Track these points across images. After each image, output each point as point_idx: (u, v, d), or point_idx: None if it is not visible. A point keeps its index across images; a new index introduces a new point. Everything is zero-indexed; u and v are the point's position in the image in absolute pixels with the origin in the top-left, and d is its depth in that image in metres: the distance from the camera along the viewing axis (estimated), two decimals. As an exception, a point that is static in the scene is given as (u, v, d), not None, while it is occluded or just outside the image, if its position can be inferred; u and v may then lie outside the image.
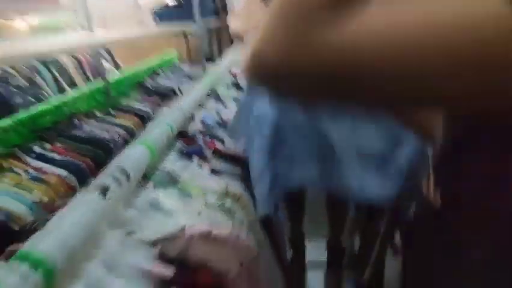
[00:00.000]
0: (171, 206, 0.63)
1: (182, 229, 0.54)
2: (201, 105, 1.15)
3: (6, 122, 0.95)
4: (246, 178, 0.82)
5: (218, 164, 0.83)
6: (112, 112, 1.35)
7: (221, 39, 2.65)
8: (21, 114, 1.01)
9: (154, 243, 0.53)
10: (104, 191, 0.51)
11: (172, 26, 2.10)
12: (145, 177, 0.68)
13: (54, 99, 1.23)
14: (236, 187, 0.74)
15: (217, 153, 0.88)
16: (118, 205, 0.54)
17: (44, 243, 0.38)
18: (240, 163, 0.87)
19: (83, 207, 0.44)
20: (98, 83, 1.46)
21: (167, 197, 0.65)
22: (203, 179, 0.75)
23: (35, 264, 0.36)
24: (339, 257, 1.46)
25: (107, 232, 0.50)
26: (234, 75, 1.72)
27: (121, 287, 0.44)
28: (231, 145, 0.96)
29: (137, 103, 1.50)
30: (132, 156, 0.60)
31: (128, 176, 0.56)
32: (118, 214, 0.55)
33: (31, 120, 1.02)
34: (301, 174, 1.02)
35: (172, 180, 0.71)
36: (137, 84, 1.72)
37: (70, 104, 1.21)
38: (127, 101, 1.51)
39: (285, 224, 1.28)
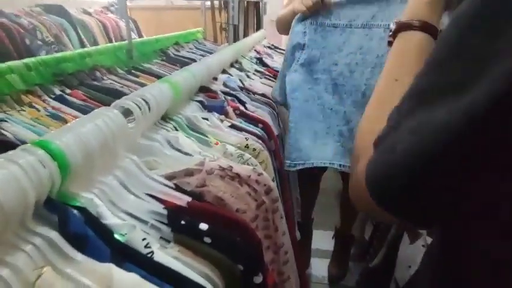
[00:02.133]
0: (189, 149, 0.61)
1: (202, 163, 0.51)
2: (225, 71, 1.13)
3: (30, 60, 0.94)
4: (266, 140, 0.79)
5: (238, 121, 0.80)
6: (133, 71, 1.34)
7: (247, 21, 2.61)
8: (46, 57, 1.01)
9: (170, 177, 0.51)
10: (125, 112, 0.49)
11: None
12: (165, 120, 0.66)
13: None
14: (256, 143, 0.70)
15: (238, 112, 0.85)
16: (137, 131, 0.52)
17: (63, 139, 0.35)
18: (261, 125, 0.84)
19: (104, 117, 0.42)
20: (122, 43, 1.45)
21: (186, 140, 0.62)
22: (222, 131, 0.72)
23: (53, 154, 0.33)
24: (347, 244, 1.43)
25: (124, 154, 0.47)
26: (258, 52, 1.69)
27: (134, 205, 0.42)
28: (252, 108, 0.94)
29: (158, 67, 1.49)
30: (154, 90, 0.57)
31: (149, 107, 0.54)
32: (136, 142, 0.52)
33: (54, 62, 1.01)
34: (321, 153, 0.99)
35: (191, 126, 0.68)
36: (160, 51, 1.71)
37: (93, 55, 1.20)
38: (149, 65, 1.50)
39: (296, 207, 1.25)
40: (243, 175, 0.50)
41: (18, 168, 0.29)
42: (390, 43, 0.44)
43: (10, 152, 0.31)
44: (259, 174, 0.51)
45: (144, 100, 0.53)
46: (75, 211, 0.35)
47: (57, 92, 0.96)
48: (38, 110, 0.85)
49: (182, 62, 1.62)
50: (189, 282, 0.35)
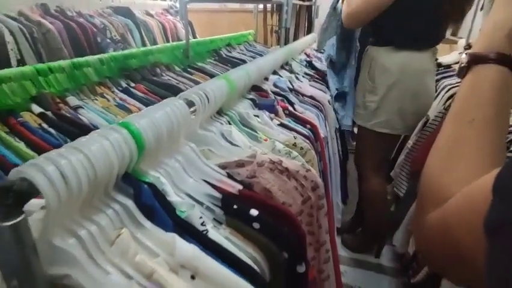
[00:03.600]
0: (241, 142, 0.64)
1: (253, 155, 0.54)
2: (275, 72, 1.16)
3: (103, 56, 1.06)
4: (312, 140, 0.80)
5: (287, 121, 0.83)
6: (188, 69, 1.42)
7: (298, 24, 2.63)
8: (115, 53, 1.12)
9: (223, 166, 0.55)
10: (189, 104, 0.54)
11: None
12: (220, 114, 0.70)
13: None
14: (304, 142, 0.72)
15: (287, 112, 0.87)
16: (196, 122, 0.57)
17: (141, 122, 0.40)
18: (308, 126, 0.85)
19: (172, 106, 0.47)
20: (179, 43, 1.56)
21: (238, 134, 0.66)
22: (272, 129, 0.75)
23: (133, 134, 0.38)
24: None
25: (185, 142, 0.52)
26: (308, 55, 1.70)
27: (192, 187, 0.46)
28: (300, 109, 0.95)
29: (211, 67, 1.57)
30: (213, 85, 0.62)
31: (208, 100, 0.58)
32: (195, 132, 0.57)
33: (122, 58, 1.12)
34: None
35: (243, 122, 0.72)
36: (213, 52, 1.79)
37: (155, 53, 1.31)
38: (203, 64, 1.58)
39: (336, 212, 1.24)
40: (292, 170, 0.52)
41: (109, 143, 0.35)
42: (460, 73, 0.40)
43: (101, 129, 0.37)
44: (308, 170, 0.53)
45: (205, 94, 0.57)
46: (146, 186, 0.40)
47: (124, 85, 1.07)
48: (108, 100, 0.95)
49: (234, 63, 1.69)
50: (238, 262, 0.38)
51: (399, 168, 1.60)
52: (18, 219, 0.27)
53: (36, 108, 0.77)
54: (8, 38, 1.38)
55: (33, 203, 0.30)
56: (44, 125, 0.74)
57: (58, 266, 0.31)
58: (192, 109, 0.56)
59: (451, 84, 1.51)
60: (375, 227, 1.51)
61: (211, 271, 0.34)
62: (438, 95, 1.56)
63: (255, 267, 0.40)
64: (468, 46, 1.86)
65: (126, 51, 1.18)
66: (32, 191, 0.27)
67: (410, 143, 1.57)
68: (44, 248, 0.30)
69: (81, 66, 0.96)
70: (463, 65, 0.39)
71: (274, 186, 0.52)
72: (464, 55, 0.40)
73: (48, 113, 0.78)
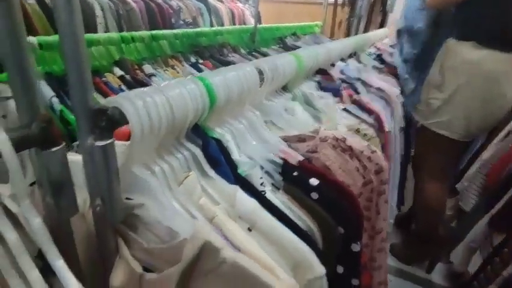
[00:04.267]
0: (303, 119, 0.64)
1: (317, 130, 0.53)
2: (343, 60, 1.12)
3: (177, 31, 1.13)
4: (376, 130, 0.76)
5: (351, 108, 0.79)
6: (253, 53, 1.45)
7: (370, 18, 2.49)
8: (188, 30, 1.19)
9: (284, 139, 0.54)
10: (259, 72, 0.54)
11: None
12: (285, 90, 0.70)
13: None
14: (368, 129, 0.69)
15: (352, 99, 0.84)
16: (263, 92, 0.57)
17: (215, 78, 0.42)
18: (373, 115, 0.81)
19: (244, 71, 0.48)
20: (247, 27, 1.59)
21: (301, 111, 0.66)
22: (335, 113, 0.72)
23: (207, 88, 0.40)
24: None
25: (249, 108, 0.53)
26: (378, 49, 1.61)
27: (254, 150, 0.47)
28: (366, 99, 0.91)
29: (275, 53, 1.57)
30: (283, 59, 0.62)
31: (277, 72, 0.58)
32: (261, 101, 0.58)
33: (194, 35, 1.18)
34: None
35: (307, 101, 0.71)
36: (279, 39, 1.79)
37: (224, 34, 1.35)
38: (267, 49, 1.59)
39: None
40: (356, 149, 0.50)
41: (186, 91, 0.37)
42: None
43: (181, 79, 0.39)
44: (373, 152, 0.50)
45: (275, 66, 0.57)
46: (212, 140, 0.42)
47: (193, 60, 1.13)
48: (178, 72, 1.01)
49: (298, 51, 1.67)
50: (293, 225, 0.38)
51: (468, 181, 1.44)
52: (108, 141, 0.30)
53: (118, 71, 0.85)
54: (98, 12, 1.53)
55: (116, 143, 0.32)
56: (123, 87, 0.82)
57: (134, 194, 0.34)
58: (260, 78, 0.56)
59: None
60: (426, 236, 1.39)
61: (268, 226, 0.35)
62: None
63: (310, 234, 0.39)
64: None
65: (197, 29, 1.24)
66: (122, 118, 0.30)
67: (486, 154, 1.41)
68: (124, 176, 0.33)
69: (158, 39, 1.04)
70: None
71: (335, 163, 0.51)
72: None
73: (127, 76, 0.85)
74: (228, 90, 0.44)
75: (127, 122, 0.31)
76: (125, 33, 0.93)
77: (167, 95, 0.34)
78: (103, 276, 0.36)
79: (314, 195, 0.42)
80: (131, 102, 0.31)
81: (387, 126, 0.87)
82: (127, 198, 0.35)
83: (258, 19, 2.83)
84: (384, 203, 0.52)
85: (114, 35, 0.90)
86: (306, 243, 0.35)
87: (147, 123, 0.31)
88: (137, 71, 0.91)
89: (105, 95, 0.75)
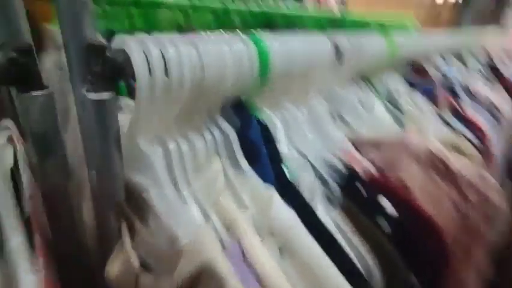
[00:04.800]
0: (383, 120, 0.50)
1: (401, 136, 0.39)
2: (443, 58, 0.91)
3: (254, 8, 1.04)
4: (483, 152, 0.57)
5: (449, 116, 0.62)
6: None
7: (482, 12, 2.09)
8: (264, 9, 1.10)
9: (353, 140, 0.42)
10: (336, 48, 0.42)
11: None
12: (364, 80, 0.56)
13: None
14: (469, 148, 0.51)
15: (450, 106, 0.65)
16: (335, 77, 0.45)
17: (274, 43, 0.31)
18: (478, 133, 0.62)
19: (317, 42, 0.36)
20: (332, 13, 1.44)
21: (380, 109, 0.51)
22: (425, 118, 0.56)
23: (260, 51, 0.30)
24: None
25: (316, 94, 0.41)
26: (489, 55, 1.31)
27: (310, 147, 0.36)
28: (469, 111, 0.71)
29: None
30: (370, 40, 0.48)
31: (358, 51, 0.45)
32: (331, 88, 0.46)
33: (270, 15, 1.09)
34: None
35: (389, 99, 0.56)
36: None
37: (303, 19, 1.23)
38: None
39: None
40: (455, 170, 0.35)
41: (228, 51, 0.27)
42: None
43: (227, 35, 0.29)
44: (482, 178, 0.34)
45: (358, 45, 0.44)
46: (256, 122, 0.32)
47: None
48: None
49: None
50: (345, 261, 0.26)
51: None
52: (105, 96, 0.22)
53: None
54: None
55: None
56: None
57: (140, 174, 0.26)
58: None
59: None
60: None
61: (306, 253, 0.24)
62: None
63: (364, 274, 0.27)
64: None
65: (276, 10, 1.14)
66: (127, 66, 0.22)
67: None
68: (129, 146, 0.25)
69: (231, 14, 0.97)
70: None
71: (415, 181, 0.36)
72: None
73: None
74: (288, 60, 0.33)
75: (133, 74, 0.22)
76: (196, 1, 0.88)
77: (200, 49, 0.25)
78: (100, 260, 0.30)
79: (384, 225, 0.29)
80: (143, 46, 0.22)
81: (494, 149, 0.66)
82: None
83: (344, 3, 2.62)
84: (484, 255, 0.36)
85: (184, 1, 0.86)
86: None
87: (161, 77, 0.23)
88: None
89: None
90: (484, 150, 0.61)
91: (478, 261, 0.37)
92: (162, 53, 0.23)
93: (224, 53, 0.27)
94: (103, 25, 0.71)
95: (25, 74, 0.20)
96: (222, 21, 0.94)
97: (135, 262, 0.25)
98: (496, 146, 0.71)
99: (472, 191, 0.35)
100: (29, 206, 0.23)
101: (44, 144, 0.23)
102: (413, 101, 0.58)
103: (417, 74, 0.68)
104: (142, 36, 0.23)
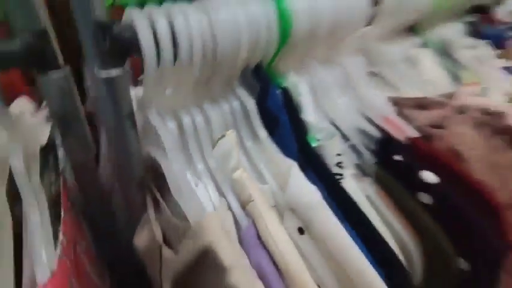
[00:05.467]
0: (431, 76, 0.43)
1: (450, 95, 0.34)
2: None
3: None
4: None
5: (521, 66, 0.51)
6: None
7: None
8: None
9: (395, 101, 0.37)
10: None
11: None
12: (413, 32, 0.49)
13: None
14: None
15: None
16: (374, 30, 0.39)
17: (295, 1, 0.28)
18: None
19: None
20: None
21: (431, 65, 0.45)
22: (489, 71, 0.47)
23: (281, 11, 0.27)
24: None
25: (351, 51, 0.37)
26: None
27: (340, 112, 0.32)
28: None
29: None
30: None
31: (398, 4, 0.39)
32: (369, 44, 0.40)
33: None
34: None
35: (445, 51, 0.48)
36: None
37: None
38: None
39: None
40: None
41: (243, 14, 0.25)
42: None
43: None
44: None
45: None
46: (278, 90, 0.29)
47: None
48: None
49: None
50: (376, 240, 0.24)
51: None
52: (115, 73, 0.21)
53: None
54: None
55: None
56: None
57: (153, 148, 0.25)
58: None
59: None
60: None
61: (329, 234, 0.22)
62: None
63: (401, 257, 0.25)
64: None
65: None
66: (134, 43, 0.21)
67: None
68: (141, 123, 0.25)
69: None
70: None
71: (473, 151, 0.31)
72: None
73: None
74: (315, 18, 0.29)
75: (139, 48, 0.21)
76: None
77: (212, 16, 0.23)
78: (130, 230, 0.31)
79: (426, 198, 0.26)
80: (150, 19, 0.21)
81: None
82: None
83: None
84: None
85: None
86: (391, 276, 0.21)
87: (169, 51, 0.21)
88: None
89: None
90: None
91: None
92: (170, 25, 0.21)
93: (238, 18, 0.24)
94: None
95: (41, 57, 0.20)
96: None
97: (159, 235, 0.26)
98: None
99: None
100: (60, 182, 0.24)
101: (64, 122, 0.23)
102: (476, 51, 0.50)
103: (485, 20, 0.57)
104: (151, 8, 0.22)
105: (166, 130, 0.24)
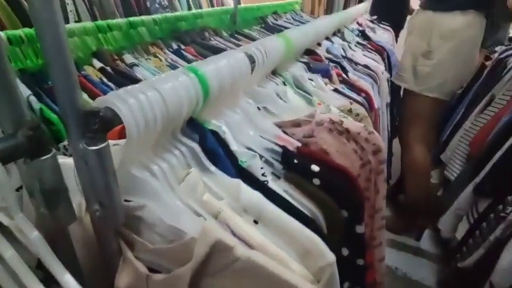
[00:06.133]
0: (296, 103, 0.63)
1: (312, 115, 0.53)
2: (328, 39, 1.10)
3: (156, 16, 1.07)
4: (367, 109, 0.76)
5: (341, 87, 0.79)
6: (236, 35, 1.40)
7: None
8: (168, 14, 1.13)
9: (279, 125, 0.53)
10: (250, 58, 0.52)
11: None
12: (275, 74, 0.68)
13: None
14: (360, 108, 0.68)
15: (341, 78, 0.83)
16: (255, 78, 0.56)
17: (207, 68, 0.40)
18: (363, 94, 0.81)
19: (234, 57, 0.46)
20: (227, 8, 1.53)
21: (293, 95, 0.64)
22: (326, 94, 0.72)
23: (200, 78, 0.38)
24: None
25: (243, 97, 0.51)
26: (360, 24, 1.60)
27: (251, 140, 0.46)
28: (354, 78, 0.90)
29: (257, 34, 1.53)
30: (272, 42, 0.60)
31: (266, 56, 0.57)
32: (253, 88, 0.56)
33: (174, 20, 1.13)
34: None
35: (297, 84, 0.70)
36: (260, 19, 1.74)
37: (204, 17, 1.30)
38: (249, 31, 1.55)
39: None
40: (353, 131, 0.50)
41: (178, 84, 0.35)
42: None
43: (171, 72, 0.37)
44: (370, 133, 0.50)
45: (264, 50, 0.55)
46: (209, 132, 0.40)
47: (175, 46, 1.08)
48: (161, 60, 0.97)
49: (280, 31, 1.64)
50: (299, 213, 0.38)
51: (452, 151, 1.49)
52: (103, 144, 0.28)
53: (97, 63, 0.81)
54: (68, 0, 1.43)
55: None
56: (104, 79, 0.77)
57: (134, 196, 0.32)
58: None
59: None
60: (415, 205, 1.47)
61: (274, 217, 0.34)
62: (506, 73, 1.41)
63: (315, 220, 0.39)
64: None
65: (177, 13, 1.18)
66: (116, 119, 0.28)
67: (467, 123, 1.45)
68: (122, 177, 0.31)
69: (136, 26, 0.98)
70: None
71: (332, 147, 0.50)
72: None
73: (108, 68, 0.81)
74: (220, 79, 0.42)
75: (120, 122, 0.29)
76: (101, 22, 0.87)
77: (160, 90, 0.32)
78: (106, 281, 0.35)
79: (316, 181, 0.42)
80: (123, 101, 0.29)
81: (376, 103, 0.87)
82: (125, 201, 0.33)
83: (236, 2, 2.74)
84: (383, 181, 0.53)
85: (89, 24, 0.84)
86: (313, 230, 0.35)
87: (142, 122, 0.30)
88: (118, 62, 0.86)
89: (87, 90, 0.71)
90: (370, 107, 0.81)
91: (381, 188, 0.54)
92: (137, 101, 0.29)
93: (177, 87, 0.34)
94: (15, 65, 0.68)
95: (39, 145, 0.25)
96: (131, 35, 0.95)
97: (142, 268, 0.32)
98: (377, 99, 0.93)
99: (366, 143, 0.50)
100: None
101: (55, 196, 0.28)
102: (315, 82, 0.73)
103: (313, 59, 0.83)
104: (116, 92, 0.29)
105: (149, 177, 0.31)
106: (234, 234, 0.32)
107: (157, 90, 0.32)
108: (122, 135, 0.38)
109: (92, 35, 0.85)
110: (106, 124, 0.28)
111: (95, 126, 0.27)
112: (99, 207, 0.31)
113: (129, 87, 0.31)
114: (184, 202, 0.33)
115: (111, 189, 0.30)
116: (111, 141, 0.31)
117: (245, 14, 1.64)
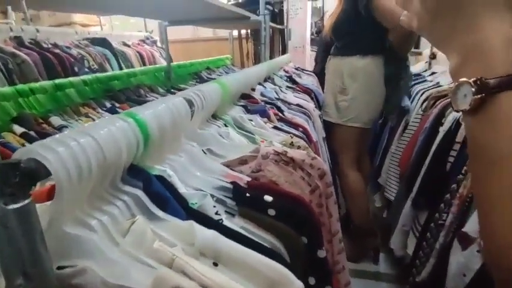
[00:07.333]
0: (240, 142, 0.64)
1: (257, 149, 0.54)
2: (260, 84, 1.18)
3: (86, 77, 1.04)
4: (307, 142, 0.81)
5: (279, 125, 0.83)
6: (172, 90, 1.42)
7: (273, 47, 2.73)
8: (99, 74, 1.11)
9: (226, 165, 0.53)
10: (189, 102, 0.53)
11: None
12: (215, 118, 0.69)
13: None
14: (301, 141, 0.72)
15: (278, 117, 0.88)
16: (196, 121, 0.56)
17: (145, 112, 0.39)
18: (301, 129, 0.86)
19: (173, 102, 0.46)
20: (161, 66, 1.57)
21: (236, 135, 0.66)
22: (267, 131, 0.75)
23: (139, 123, 0.37)
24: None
25: (185, 141, 0.51)
26: (286, 72, 1.76)
27: (200, 181, 0.44)
28: (289, 116, 0.96)
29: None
30: (208, 87, 0.62)
31: (204, 99, 0.58)
32: (195, 131, 0.56)
33: (106, 80, 1.11)
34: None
35: (238, 125, 0.72)
36: (194, 74, 1.81)
37: (138, 75, 1.30)
38: (185, 85, 1.59)
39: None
40: (297, 159, 0.52)
41: (115, 129, 0.33)
42: (464, 104, 0.27)
43: (108, 117, 0.35)
44: (313, 158, 0.52)
45: (202, 94, 0.57)
46: (154, 176, 0.38)
47: (108, 105, 1.05)
48: (93, 120, 0.92)
49: (215, 83, 1.71)
50: (259, 246, 0.36)
51: (386, 173, 1.63)
52: (26, 201, 0.24)
53: (18, 129, 0.73)
54: (-19, 69, 1.33)
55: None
56: (27, 144, 0.70)
57: (70, 259, 0.28)
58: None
59: (423, 89, 1.62)
60: (361, 224, 1.56)
61: (234, 254, 0.32)
62: (413, 99, 1.65)
63: (276, 249, 0.38)
64: (433, 55, 2.00)
65: (109, 73, 1.17)
66: (41, 170, 0.25)
67: (392, 147, 1.62)
68: (53, 238, 0.27)
69: (64, 87, 0.94)
70: (477, 96, 0.26)
71: (281, 178, 0.51)
72: (466, 84, 0.27)
73: (31, 132, 0.74)
74: (160, 123, 0.41)
75: (48, 174, 0.26)
76: (21, 86, 0.81)
77: (94, 136, 0.30)
78: None
79: (271, 212, 0.41)
80: (51, 150, 0.26)
81: (314, 137, 0.93)
82: (60, 268, 0.28)
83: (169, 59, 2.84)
84: (333, 204, 0.54)
85: (7, 89, 0.78)
86: (277, 260, 0.33)
87: (74, 171, 0.27)
88: (44, 125, 0.80)
89: (7, 158, 0.63)
90: (309, 140, 0.86)
91: (333, 211, 0.55)
92: (67, 149, 0.27)
93: (113, 133, 0.33)
94: None
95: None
96: (58, 98, 0.90)
97: None
98: (314, 134, 0.99)
99: (311, 169, 0.52)
100: None
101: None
102: (255, 122, 0.76)
103: (250, 102, 0.87)
104: (42, 141, 0.27)
105: (87, 233, 0.27)
106: (192, 280, 0.29)
107: (91, 137, 0.30)
108: (52, 195, 0.33)
109: (11, 99, 0.78)
110: (29, 177, 0.24)
111: (15, 180, 0.24)
112: (23, 280, 0.25)
113: (57, 135, 0.28)
114: (132, 255, 0.29)
115: (38, 254, 0.25)
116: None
117: (179, 71, 1.70)
